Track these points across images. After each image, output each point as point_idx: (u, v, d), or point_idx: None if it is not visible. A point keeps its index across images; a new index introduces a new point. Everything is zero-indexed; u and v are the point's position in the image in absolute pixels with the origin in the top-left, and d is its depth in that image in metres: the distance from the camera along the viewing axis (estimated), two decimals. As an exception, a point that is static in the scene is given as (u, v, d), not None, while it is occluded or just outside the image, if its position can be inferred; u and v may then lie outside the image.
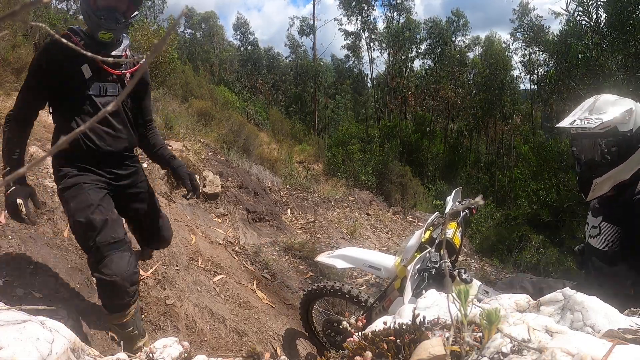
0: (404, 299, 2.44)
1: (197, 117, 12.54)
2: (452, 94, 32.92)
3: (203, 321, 3.89)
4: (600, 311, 0.99)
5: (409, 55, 36.58)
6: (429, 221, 3.00)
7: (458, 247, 2.74)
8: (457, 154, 33.96)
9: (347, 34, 38.66)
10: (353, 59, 41.28)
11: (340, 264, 3.45)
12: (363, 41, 38.61)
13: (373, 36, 37.63)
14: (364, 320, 1.37)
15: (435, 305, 1.12)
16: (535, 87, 32.67)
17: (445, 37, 34.69)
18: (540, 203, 22.31)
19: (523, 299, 1.18)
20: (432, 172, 32.61)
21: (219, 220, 6.06)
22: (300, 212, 8.66)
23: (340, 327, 3.63)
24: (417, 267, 2.49)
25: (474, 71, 34.77)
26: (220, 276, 4.63)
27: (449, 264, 2.39)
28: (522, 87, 34.96)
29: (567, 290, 1.10)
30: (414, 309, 1.11)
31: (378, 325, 1.16)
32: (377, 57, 50.72)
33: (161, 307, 3.77)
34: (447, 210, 2.96)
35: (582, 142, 2.35)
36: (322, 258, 3.65)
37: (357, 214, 10.16)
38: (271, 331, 4.15)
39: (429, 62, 36.25)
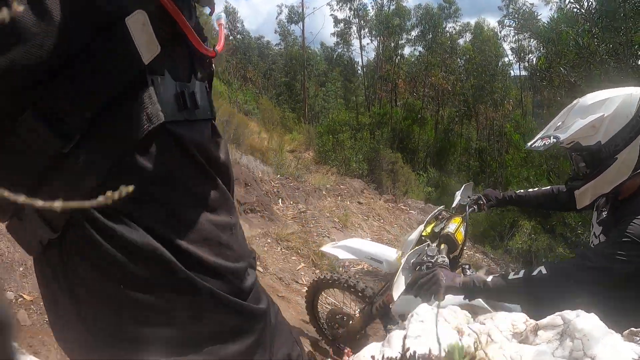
0: (394, 293, 2.39)
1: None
2: (443, 81, 32.91)
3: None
4: (602, 340, 0.95)
5: (399, 42, 36.44)
6: (431, 215, 2.90)
7: (461, 243, 2.63)
8: (447, 141, 33.99)
9: (336, 20, 38.45)
10: (342, 46, 41.11)
11: (342, 255, 3.48)
12: (353, 28, 38.42)
13: (363, 23, 37.44)
14: (351, 353, 1.31)
15: (427, 332, 1.07)
16: (526, 73, 32.72)
17: (436, 23, 34.59)
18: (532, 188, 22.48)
19: (520, 319, 1.12)
20: (423, 158, 32.64)
21: None
22: (291, 202, 8.62)
23: (343, 319, 3.60)
24: (412, 260, 2.40)
25: (465, 57, 34.66)
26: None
27: (446, 259, 2.33)
28: (512, 73, 34.98)
29: (567, 314, 1.05)
30: (404, 338, 1.05)
31: (365, 356, 1.10)
32: (367, 44, 50.34)
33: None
34: (454, 205, 2.91)
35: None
36: (326, 248, 3.71)
37: (348, 203, 10.12)
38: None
39: (420, 48, 36.16)
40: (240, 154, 10.97)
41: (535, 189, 3.01)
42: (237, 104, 25.66)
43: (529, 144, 2.20)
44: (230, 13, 48.40)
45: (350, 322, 3.54)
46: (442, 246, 2.49)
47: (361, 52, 39.02)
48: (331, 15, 40.10)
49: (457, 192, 3.01)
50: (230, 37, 48.68)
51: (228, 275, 1.19)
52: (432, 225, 2.81)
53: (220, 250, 1.18)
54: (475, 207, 2.90)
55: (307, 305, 4.00)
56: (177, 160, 1.10)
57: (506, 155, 30.69)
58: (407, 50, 38.69)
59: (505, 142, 31.54)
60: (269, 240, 5.74)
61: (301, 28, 39.18)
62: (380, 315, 3.17)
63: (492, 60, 32.33)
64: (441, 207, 3.10)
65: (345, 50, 41.69)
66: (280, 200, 8.36)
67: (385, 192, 15.23)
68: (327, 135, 20.86)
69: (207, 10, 1.31)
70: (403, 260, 2.52)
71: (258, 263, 5.18)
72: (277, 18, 42.58)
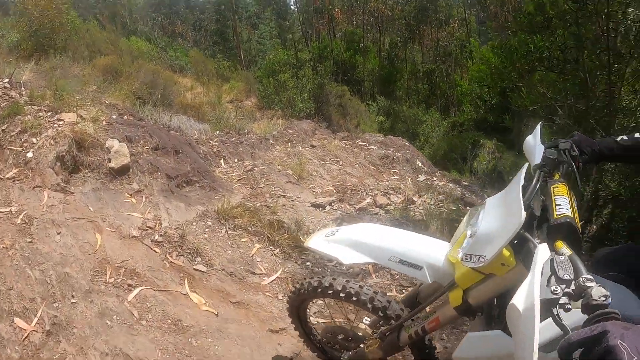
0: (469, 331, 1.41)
1: (102, 77, 11.02)
2: (382, 6, 31.64)
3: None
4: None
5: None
6: (518, 178, 1.60)
7: (580, 229, 1.49)
8: (393, 67, 33.00)
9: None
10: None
11: (348, 257, 2.00)
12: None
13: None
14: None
15: None
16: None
17: None
18: (486, 107, 22.17)
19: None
20: (369, 88, 31.75)
21: (134, 200, 4.75)
22: (236, 160, 7.48)
23: (348, 340, 2.47)
24: (540, 297, 1.14)
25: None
26: (138, 289, 3.41)
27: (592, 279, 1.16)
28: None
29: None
30: None
31: None
32: None
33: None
34: (537, 160, 1.75)
35: None
36: (316, 243, 2.16)
37: (300, 148, 9.06)
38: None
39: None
40: (170, 115, 9.68)
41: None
42: (167, 62, 24.28)
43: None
44: None
45: (362, 346, 2.30)
46: (562, 247, 1.30)
47: (291, -15, 36.90)
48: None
49: (530, 138, 1.87)
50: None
51: None
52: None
53: None
54: (571, 162, 1.78)
55: (294, 322, 2.69)
56: None
57: (454, 75, 30.20)
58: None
59: (453, 62, 30.98)
60: (210, 222, 4.53)
61: (226, -32, 36.59)
62: (417, 347, 2.11)
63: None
64: (526, 164, 1.72)
65: (275, -14, 39.49)
66: (222, 161, 7.20)
67: (338, 130, 14.36)
68: (267, 78, 20.03)
69: None
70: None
71: (199, 260, 4.01)
72: None
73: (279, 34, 41.62)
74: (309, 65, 23.57)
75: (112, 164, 5.08)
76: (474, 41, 27.75)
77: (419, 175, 9.53)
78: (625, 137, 1.90)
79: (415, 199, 7.05)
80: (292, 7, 40.84)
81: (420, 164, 10.17)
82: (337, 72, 29.67)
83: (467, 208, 7.44)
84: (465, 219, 1.81)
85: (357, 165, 8.99)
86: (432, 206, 6.85)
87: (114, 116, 6.63)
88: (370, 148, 10.17)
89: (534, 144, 1.82)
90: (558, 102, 8.20)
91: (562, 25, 7.69)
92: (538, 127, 1.86)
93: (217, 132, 9.04)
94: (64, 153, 4.87)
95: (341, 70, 30.76)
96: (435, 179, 9.60)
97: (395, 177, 9.02)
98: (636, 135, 1.88)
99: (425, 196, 7.32)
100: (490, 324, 1.68)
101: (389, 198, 6.84)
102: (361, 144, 10.43)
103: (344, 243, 2.05)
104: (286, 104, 18.12)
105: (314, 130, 10.83)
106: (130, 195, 4.85)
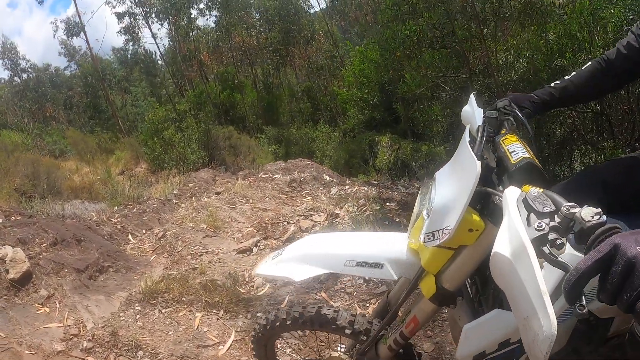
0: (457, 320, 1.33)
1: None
2: (248, 38, 31.87)
3: None
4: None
5: (192, 16, 34.38)
6: (463, 139, 1.51)
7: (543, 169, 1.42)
8: (271, 95, 33.28)
9: (119, 16, 35.05)
10: (133, 42, 37.87)
11: (300, 273, 1.81)
12: (139, 19, 35.43)
13: (148, 9, 34.58)
14: None
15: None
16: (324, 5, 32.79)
17: None
18: (370, 107, 22.83)
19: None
20: (254, 122, 31.81)
21: (47, 309, 4.27)
22: (144, 231, 7.08)
23: None
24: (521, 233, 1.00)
25: (260, 8, 33.56)
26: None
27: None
28: (312, 10, 34.81)
29: None
30: None
31: None
32: (159, 29, 46.86)
33: None
34: (479, 122, 1.62)
35: None
36: (264, 268, 1.98)
37: (206, 199, 8.76)
38: None
39: (215, 14, 34.29)
40: (62, 203, 9.05)
41: (571, 75, 1.95)
42: (45, 149, 23.08)
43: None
44: (8, 50, 42.22)
45: None
46: (530, 189, 1.13)
47: (155, 40, 36.44)
48: (113, 13, 36.23)
49: (467, 107, 1.79)
50: (16, 78, 42.91)
51: None
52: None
53: None
54: (511, 118, 1.75)
55: None
56: None
57: (332, 87, 30.93)
58: (201, 22, 36.90)
59: (327, 74, 31.73)
60: (139, 307, 4.13)
61: (85, 38, 35.22)
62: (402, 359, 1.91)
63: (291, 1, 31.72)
64: (466, 128, 1.66)
65: (137, 45, 38.53)
66: (130, 237, 6.77)
67: (237, 170, 14.17)
68: (152, 139, 19.50)
69: None
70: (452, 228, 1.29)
71: (141, 354, 3.60)
72: (54, 36, 37.47)
73: (152, 92, 40.76)
74: (189, 115, 23.26)
75: (11, 275, 4.58)
76: (348, 42, 28.51)
77: (331, 189, 9.52)
78: (557, 82, 1.94)
79: (337, 211, 7.01)
80: (159, 61, 40.09)
81: (328, 178, 10.18)
82: (218, 115, 29.51)
83: (388, 204, 7.53)
84: (417, 201, 1.69)
85: (267, 199, 8.83)
86: (357, 213, 6.85)
87: (0, 220, 6.06)
88: (275, 177, 10.06)
89: (472, 110, 1.73)
90: (441, 78, 8.60)
91: (427, 7, 8.07)
92: (472, 96, 1.80)
93: (116, 207, 8.57)
94: (-51, 280, 4.34)
95: (222, 111, 30.62)
96: (347, 187, 9.63)
97: (309, 197, 8.95)
98: (565, 77, 1.92)
99: (345, 206, 7.30)
100: (480, 306, 1.59)
101: (311, 219, 6.75)
102: (264, 176, 10.30)
103: (293, 260, 1.86)
104: (177, 160, 17.74)
105: (214, 177, 10.58)
106: (41, 304, 4.38)
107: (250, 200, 8.59)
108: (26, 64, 43.36)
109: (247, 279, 4.84)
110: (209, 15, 34.56)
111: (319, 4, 33.68)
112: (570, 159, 8.25)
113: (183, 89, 35.86)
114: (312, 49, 32.14)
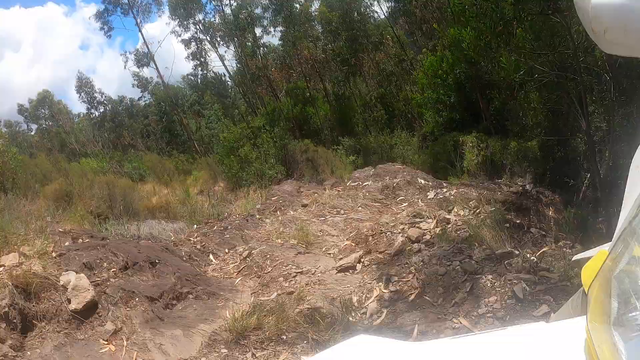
0: None
1: (54, 205, 9.88)
2: (315, 50, 31.39)
3: None
4: None
5: (257, 35, 34.36)
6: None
7: None
8: (344, 106, 32.48)
9: (186, 43, 35.60)
10: (202, 68, 38.38)
11: None
12: (206, 44, 35.86)
13: (212, 32, 34.93)
14: None
15: None
16: (388, 7, 31.77)
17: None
18: (447, 107, 21.63)
19: None
20: (329, 134, 31.05)
21: (112, 347, 3.42)
22: (226, 250, 6.26)
23: None
24: None
25: (322, 22, 33.03)
26: None
27: None
28: (377, 16, 33.89)
29: None
30: None
31: None
32: (225, 51, 47.35)
33: None
34: None
35: None
36: None
37: (292, 213, 7.91)
38: None
39: (280, 30, 34.09)
40: (138, 224, 8.45)
41: None
42: (125, 174, 23.50)
43: None
44: (84, 84, 44.22)
45: None
46: None
47: (223, 62, 36.22)
48: (179, 41, 36.94)
49: None
50: (93, 111, 44.83)
51: None
52: None
53: None
54: None
55: None
56: None
57: (403, 92, 29.86)
58: (267, 39, 36.85)
59: (399, 79, 30.71)
60: (225, 350, 3.19)
61: (155, 67, 35.92)
62: None
63: (354, 6, 30.98)
64: None
65: (206, 70, 38.99)
66: (211, 257, 5.96)
67: (321, 181, 13.40)
68: (228, 157, 19.09)
69: None
70: None
71: None
72: (125, 67, 38.61)
73: (224, 113, 41.17)
74: (264, 131, 22.96)
75: (73, 305, 3.80)
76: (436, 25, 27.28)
77: (428, 193, 8.48)
78: None
79: (447, 216, 5.94)
80: (228, 82, 40.36)
81: (422, 182, 9.12)
82: (293, 130, 29.05)
83: (500, 205, 6.39)
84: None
85: (360, 208, 7.86)
86: (470, 216, 5.77)
87: (67, 243, 5.39)
88: (366, 185, 9.08)
89: None
90: (540, 58, 7.44)
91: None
92: None
93: (195, 225, 7.85)
94: (6, 308, 3.57)
95: (296, 126, 30.16)
96: (444, 190, 8.58)
97: (405, 203, 7.94)
98: None
99: (454, 209, 6.22)
100: None
101: (419, 227, 5.68)
102: (353, 184, 9.36)
103: None
104: (255, 176, 17.29)
105: (299, 189, 9.75)
106: (106, 340, 3.54)
107: (342, 211, 7.65)
108: (102, 96, 45.14)
109: (355, 304, 3.82)
110: (274, 31, 34.37)
111: (382, 9, 32.45)
112: None
113: (255, 107, 35.79)
114: (381, 54, 31.08)
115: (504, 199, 8.04)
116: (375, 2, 32.21)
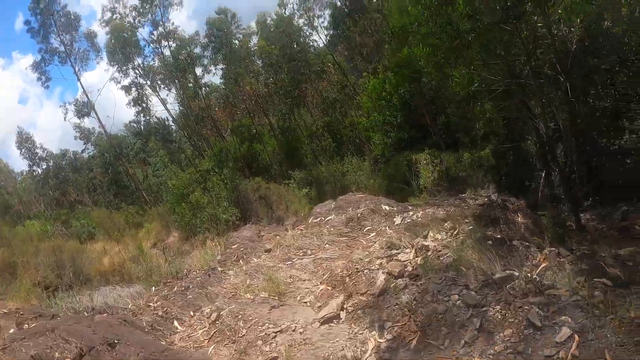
0: None
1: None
2: (257, 85, 31.19)
3: None
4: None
5: (197, 75, 33.93)
6: None
7: None
8: (290, 138, 32.29)
9: (127, 89, 34.75)
10: (144, 114, 37.48)
11: None
12: (147, 88, 35.11)
13: (152, 76, 34.27)
14: None
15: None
16: (325, 37, 32.18)
17: (225, 34, 32.39)
18: (397, 127, 21.70)
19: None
20: (279, 169, 30.76)
21: None
22: (192, 313, 5.71)
23: None
24: None
25: (262, 56, 32.89)
26: None
27: None
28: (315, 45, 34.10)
29: None
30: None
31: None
32: (167, 95, 46.54)
33: None
34: None
35: None
36: None
37: (256, 260, 7.44)
38: None
39: (220, 67, 33.72)
40: (91, 292, 7.77)
41: None
42: (73, 234, 22.49)
43: None
44: (24, 140, 42.30)
45: None
46: None
47: (165, 106, 35.56)
48: (120, 88, 36.01)
49: None
50: (35, 168, 43.05)
51: None
52: None
53: None
54: None
55: None
56: None
57: (349, 118, 30.00)
58: (208, 79, 36.43)
59: (344, 105, 30.85)
60: None
61: (96, 116, 34.85)
62: None
63: (293, 38, 30.96)
64: None
65: (149, 115, 38.10)
66: (176, 323, 5.39)
67: (280, 220, 12.97)
68: (179, 205, 18.59)
69: None
70: None
71: None
72: (65, 119, 37.19)
73: (170, 159, 40.29)
74: (213, 174, 22.42)
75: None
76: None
77: (394, 219, 8.19)
78: None
79: (425, 243, 5.60)
80: (172, 126, 39.56)
81: (387, 207, 8.83)
82: (242, 169, 28.64)
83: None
84: None
85: (327, 246, 7.47)
86: (448, 239, 5.49)
87: (11, 330, 4.76)
88: (329, 219, 8.71)
89: None
90: (493, 67, 7.37)
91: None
92: None
93: (154, 288, 7.24)
94: None
95: (245, 165, 29.79)
96: (411, 213, 8.31)
97: (373, 234, 7.61)
98: None
99: (430, 234, 5.91)
100: None
101: (398, 260, 5.31)
102: (316, 220, 8.98)
103: None
104: (210, 222, 16.71)
105: (259, 233, 9.30)
106: None
107: (309, 252, 7.24)
108: (43, 152, 43.51)
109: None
110: (215, 70, 34.05)
111: (321, 37, 32.65)
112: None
113: (202, 150, 35.19)
114: (324, 82, 31.14)
115: (473, 213, 7.83)
116: (314, 32, 32.44)
